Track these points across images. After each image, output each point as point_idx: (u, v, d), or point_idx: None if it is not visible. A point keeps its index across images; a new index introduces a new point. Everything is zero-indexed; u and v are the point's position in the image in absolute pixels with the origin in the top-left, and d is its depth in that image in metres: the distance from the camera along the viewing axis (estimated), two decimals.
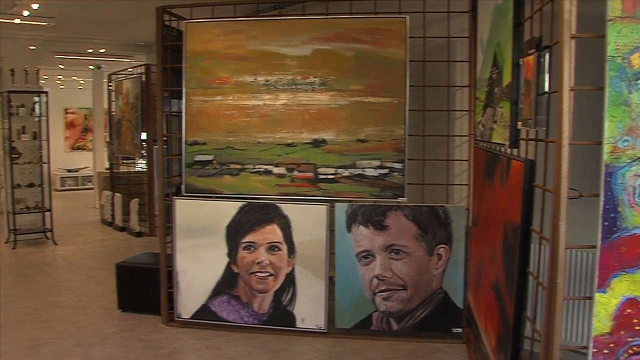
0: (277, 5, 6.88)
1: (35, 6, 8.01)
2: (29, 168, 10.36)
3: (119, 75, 12.04)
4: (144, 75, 10.83)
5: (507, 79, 3.66)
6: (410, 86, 5.36)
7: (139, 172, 11.73)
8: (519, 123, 3.40)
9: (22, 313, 6.45)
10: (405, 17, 5.35)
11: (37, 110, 10.43)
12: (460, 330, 5.40)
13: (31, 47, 11.01)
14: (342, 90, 5.44)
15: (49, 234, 10.43)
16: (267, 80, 5.57)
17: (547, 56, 2.93)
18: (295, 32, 5.53)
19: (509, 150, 3.70)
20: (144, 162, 11.25)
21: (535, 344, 3.13)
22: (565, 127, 2.64)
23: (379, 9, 5.60)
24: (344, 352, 5.30)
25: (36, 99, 10.43)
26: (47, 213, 10.49)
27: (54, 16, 8.95)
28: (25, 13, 8.35)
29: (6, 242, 10.26)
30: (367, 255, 5.43)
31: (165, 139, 6.06)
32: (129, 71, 11.59)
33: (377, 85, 5.40)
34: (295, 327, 5.65)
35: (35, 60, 11.12)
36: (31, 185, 10.37)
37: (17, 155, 10.19)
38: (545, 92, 2.93)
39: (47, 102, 10.45)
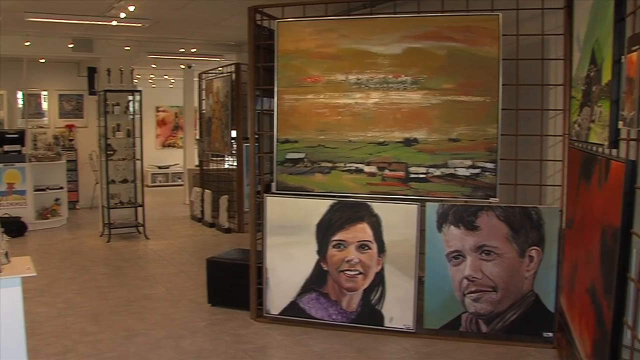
0: (367, 4, 6.89)
1: (131, 8, 8.24)
2: (123, 164, 10.71)
3: (209, 74, 12.25)
4: (234, 74, 10.98)
5: (606, 76, 3.56)
6: (503, 85, 5.28)
7: (228, 169, 11.90)
8: (620, 123, 3.30)
9: (117, 304, 6.68)
10: (498, 15, 5.27)
11: (131, 109, 10.75)
12: (551, 334, 5.29)
13: (126, 48, 11.36)
14: (434, 88, 5.40)
15: (140, 228, 10.75)
16: (359, 79, 5.57)
17: None
18: (387, 30, 5.51)
19: (607, 151, 3.60)
20: (233, 159, 11.40)
21: (636, 354, 3.04)
22: None
23: (471, 6, 5.54)
24: (432, 353, 5.27)
25: (130, 97, 10.76)
26: (140, 208, 10.80)
27: (148, 17, 9.18)
28: (122, 15, 8.59)
29: (101, 236, 10.64)
30: (457, 256, 5.38)
31: (256, 136, 6.14)
32: (219, 70, 11.77)
33: (469, 83, 5.33)
34: (383, 326, 5.64)
35: (129, 60, 11.46)
36: (125, 181, 10.71)
37: (112, 152, 10.52)
38: None
39: (140, 101, 10.77)
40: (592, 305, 3.79)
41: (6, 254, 3.66)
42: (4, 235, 3.71)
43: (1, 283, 3.53)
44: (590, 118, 4.00)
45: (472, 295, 5.39)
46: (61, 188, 12.06)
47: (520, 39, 5.50)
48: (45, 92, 14.20)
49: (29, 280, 3.65)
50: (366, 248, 5.61)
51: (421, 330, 5.58)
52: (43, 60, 13.10)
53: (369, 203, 5.61)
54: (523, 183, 5.60)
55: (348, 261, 5.65)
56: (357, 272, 5.64)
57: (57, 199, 11.91)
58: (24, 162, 11.19)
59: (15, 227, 10.43)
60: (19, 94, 13.78)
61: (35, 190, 11.40)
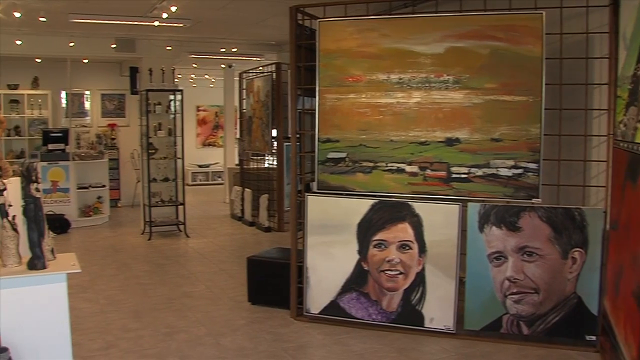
0: (409, 3, 6.86)
1: (173, 9, 8.30)
2: (164, 163, 10.82)
3: (250, 74, 12.31)
4: (274, 74, 11.00)
5: None
6: (546, 84, 5.22)
7: (268, 168, 11.94)
8: None
9: (158, 301, 6.75)
10: (541, 13, 5.21)
11: (172, 108, 10.85)
12: (594, 338, 5.21)
13: (168, 48, 11.46)
14: (476, 88, 5.36)
15: (181, 226, 10.83)
16: (401, 78, 5.55)
17: None
18: (429, 29, 5.49)
19: None
20: (273, 158, 11.44)
21: None
22: None
23: (514, 4, 5.49)
24: (473, 354, 5.23)
25: (171, 97, 10.86)
26: (180, 206, 10.89)
27: (189, 17, 9.25)
28: (164, 15, 8.67)
29: (142, 233, 10.76)
30: (499, 257, 5.33)
31: (297, 136, 6.16)
32: (260, 69, 11.81)
33: (512, 83, 5.28)
34: (423, 327, 5.62)
35: (171, 60, 11.57)
36: (166, 179, 10.81)
37: (153, 151, 10.64)
38: None
39: (181, 100, 10.85)
40: (638, 308, 3.74)
41: (52, 251, 3.71)
42: (50, 232, 3.77)
43: (48, 279, 3.58)
44: (637, 118, 3.95)
45: (513, 296, 5.33)
46: (103, 186, 12.25)
47: (564, 38, 5.43)
48: (88, 92, 14.41)
49: (72, 276, 3.70)
50: (407, 248, 5.59)
51: (461, 331, 5.55)
52: (86, 61, 13.30)
53: (410, 203, 5.59)
54: (566, 184, 5.53)
55: (389, 261, 5.64)
56: (397, 272, 5.63)
57: (99, 197, 12.11)
58: (68, 160, 11.42)
59: (59, 224, 10.62)
60: (63, 94, 14.00)
61: (78, 188, 11.60)
